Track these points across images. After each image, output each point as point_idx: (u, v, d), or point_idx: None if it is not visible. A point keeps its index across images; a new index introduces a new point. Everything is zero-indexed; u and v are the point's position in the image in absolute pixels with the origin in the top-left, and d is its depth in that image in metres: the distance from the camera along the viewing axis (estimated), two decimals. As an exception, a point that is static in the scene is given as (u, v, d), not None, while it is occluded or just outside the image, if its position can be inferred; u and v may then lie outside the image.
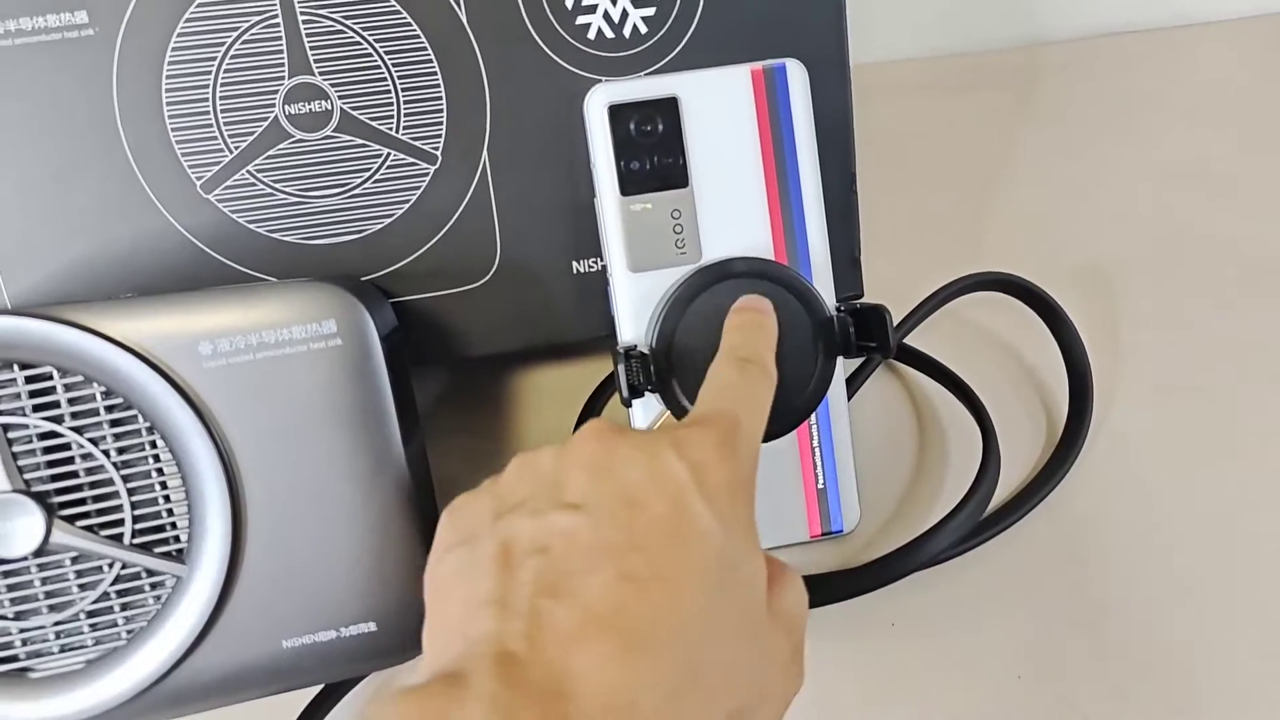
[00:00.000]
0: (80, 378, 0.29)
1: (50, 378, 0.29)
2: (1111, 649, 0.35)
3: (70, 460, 0.29)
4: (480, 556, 0.23)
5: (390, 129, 0.36)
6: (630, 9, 0.36)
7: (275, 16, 0.34)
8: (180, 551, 0.30)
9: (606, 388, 0.42)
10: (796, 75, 0.35)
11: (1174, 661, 0.34)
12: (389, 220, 0.37)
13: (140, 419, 0.29)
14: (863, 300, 0.37)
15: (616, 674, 0.20)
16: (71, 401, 0.29)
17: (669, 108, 0.34)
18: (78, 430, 0.29)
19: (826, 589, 0.36)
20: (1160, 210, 0.50)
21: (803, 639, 0.26)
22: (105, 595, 0.30)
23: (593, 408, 0.42)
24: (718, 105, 0.34)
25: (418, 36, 0.35)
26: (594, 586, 0.21)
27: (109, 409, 0.29)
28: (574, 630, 0.20)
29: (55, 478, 0.29)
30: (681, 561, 0.22)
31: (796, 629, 0.25)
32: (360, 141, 0.36)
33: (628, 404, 0.34)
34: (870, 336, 0.34)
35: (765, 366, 0.28)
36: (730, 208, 0.35)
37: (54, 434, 0.29)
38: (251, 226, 0.36)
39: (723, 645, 0.22)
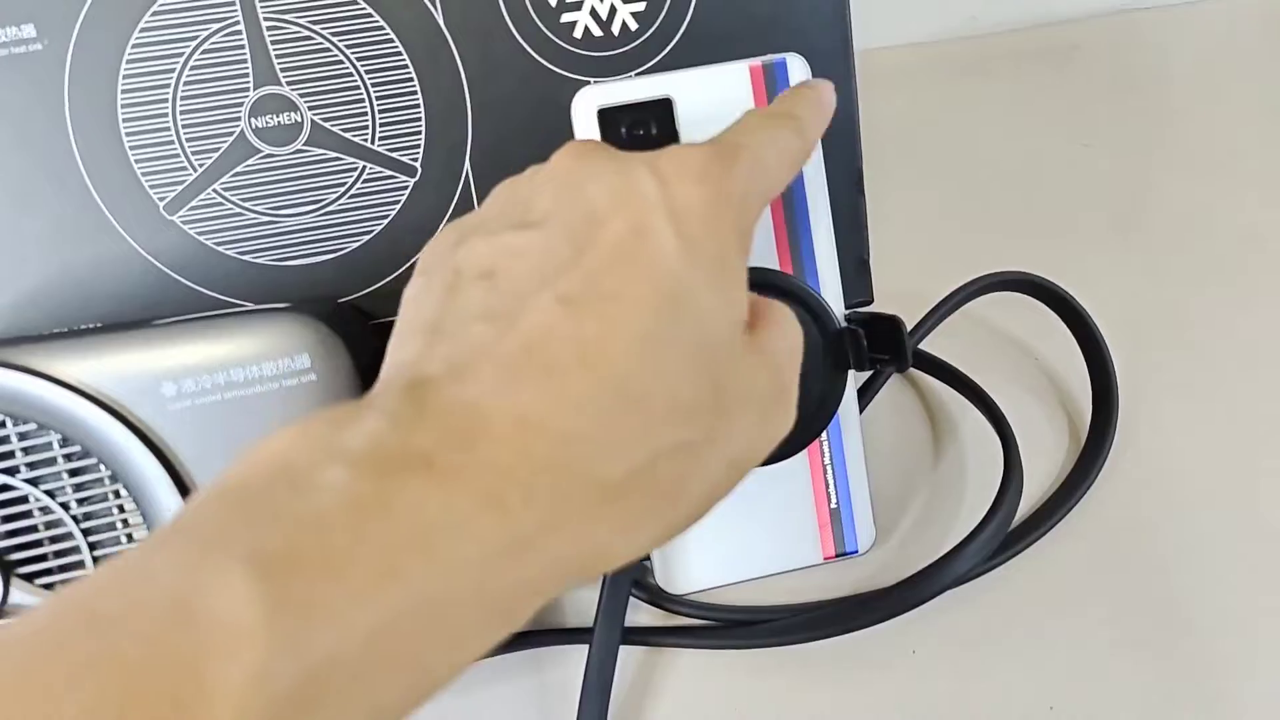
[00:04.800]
0: (34, 425, 0.27)
1: (3, 426, 0.27)
2: (1151, 673, 0.33)
3: (28, 514, 0.27)
4: (433, 284, 0.22)
5: (365, 140, 0.34)
6: (619, 4, 0.34)
7: (237, 23, 0.32)
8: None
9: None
10: (798, 70, 0.32)
11: (1222, 686, 0.32)
12: (367, 237, 0.34)
13: (102, 468, 0.27)
14: (873, 308, 0.35)
15: (533, 395, 0.19)
16: (26, 451, 0.27)
17: (663, 110, 0.32)
18: (34, 482, 0.27)
19: (844, 617, 0.34)
20: (1188, 200, 0.47)
21: (794, 379, 0.24)
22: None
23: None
24: (715, 105, 0.32)
25: (391, 41, 0.33)
26: (529, 309, 0.20)
27: (67, 458, 0.27)
28: (497, 353, 0.19)
29: (12, 533, 0.27)
30: (626, 282, 0.20)
31: (785, 367, 0.24)
32: (333, 155, 0.34)
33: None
34: (883, 348, 0.32)
35: (799, 120, 0.25)
36: (731, 216, 0.33)
37: (8, 487, 0.27)
38: (219, 248, 0.33)
39: (666, 376, 0.20)
